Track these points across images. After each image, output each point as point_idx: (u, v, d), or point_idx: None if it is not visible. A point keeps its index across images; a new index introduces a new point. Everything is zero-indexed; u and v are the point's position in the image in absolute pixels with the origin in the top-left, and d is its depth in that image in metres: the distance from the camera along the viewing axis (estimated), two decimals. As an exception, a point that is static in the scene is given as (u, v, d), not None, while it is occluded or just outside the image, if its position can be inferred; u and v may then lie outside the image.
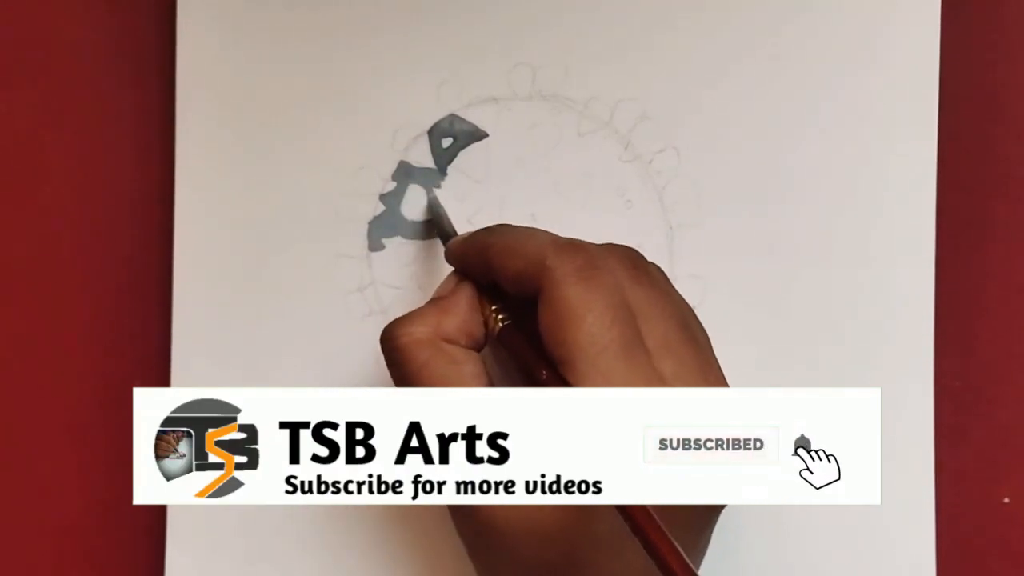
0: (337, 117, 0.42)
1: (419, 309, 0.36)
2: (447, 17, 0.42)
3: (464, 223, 0.42)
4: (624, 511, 0.31)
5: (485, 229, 0.37)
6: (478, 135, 0.43)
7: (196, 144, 0.43)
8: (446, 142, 0.43)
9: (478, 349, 0.36)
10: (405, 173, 0.43)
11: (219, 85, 0.43)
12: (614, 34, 0.42)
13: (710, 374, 0.35)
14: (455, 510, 0.36)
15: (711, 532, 0.36)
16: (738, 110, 0.42)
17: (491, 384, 0.35)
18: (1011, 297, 0.43)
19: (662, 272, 0.37)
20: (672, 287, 0.36)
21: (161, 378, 0.43)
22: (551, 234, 0.35)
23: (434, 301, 0.37)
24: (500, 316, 0.36)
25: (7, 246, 0.44)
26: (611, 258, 0.35)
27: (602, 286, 0.33)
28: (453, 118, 0.43)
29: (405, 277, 0.43)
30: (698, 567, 0.36)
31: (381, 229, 0.43)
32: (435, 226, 0.42)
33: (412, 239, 0.43)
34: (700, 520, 0.35)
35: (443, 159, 0.43)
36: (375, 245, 0.43)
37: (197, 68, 0.42)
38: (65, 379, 0.44)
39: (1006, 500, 0.43)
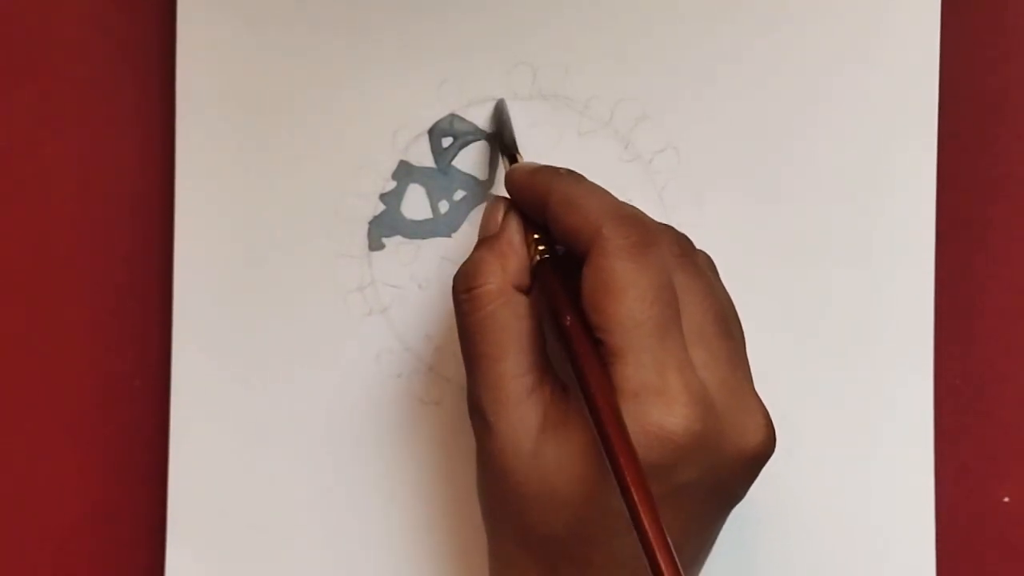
0: (337, 116, 0.42)
1: (479, 255, 0.36)
2: (447, 17, 0.42)
3: (464, 223, 0.42)
4: (622, 484, 0.30)
5: (553, 170, 0.37)
6: (478, 134, 0.43)
7: (196, 144, 0.43)
8: (446, 141, 0.43)
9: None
10: (405, 172, 0.43)
11: (219, 85, 0.43)
12: (614, 34, 0.42)
13: (739, 370, 0.35)
14: (481, 464, 0.36)
15: (720, 527, 0.36)
16: (738, 110, 0.42)
17: (544, 340, 0.36)
18: (1011, 297, 0.43)
19: (711, 263, 0.37)
20: (718, 279, 0.37)
21: (161, 378, 0.43)
22: (613, 198, 0.35)
23: (488, 243, 0.36)
24: (540, 248, 0.36)
25: (7, 246, 0.44)
26: (664, 238, 0.35)
27: (651, 265, 0.33)
28: (453, 117, 0.43)
29: (405, 276, 0.43)
30: (703, 562, 0.36)
31: (381, 228, 0.43)
32: (497, 136, 0.41)
33: (412, 238, 0.43)
34: (711, 513, 0.35)
35: (443, 158, 0.43)
36: (375, 244, 0.43)
37: (197, 68, 0.43)
38: (65, 379, 0.44)
39: (1006, 499, 0.43)
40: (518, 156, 0.40)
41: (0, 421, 0.44)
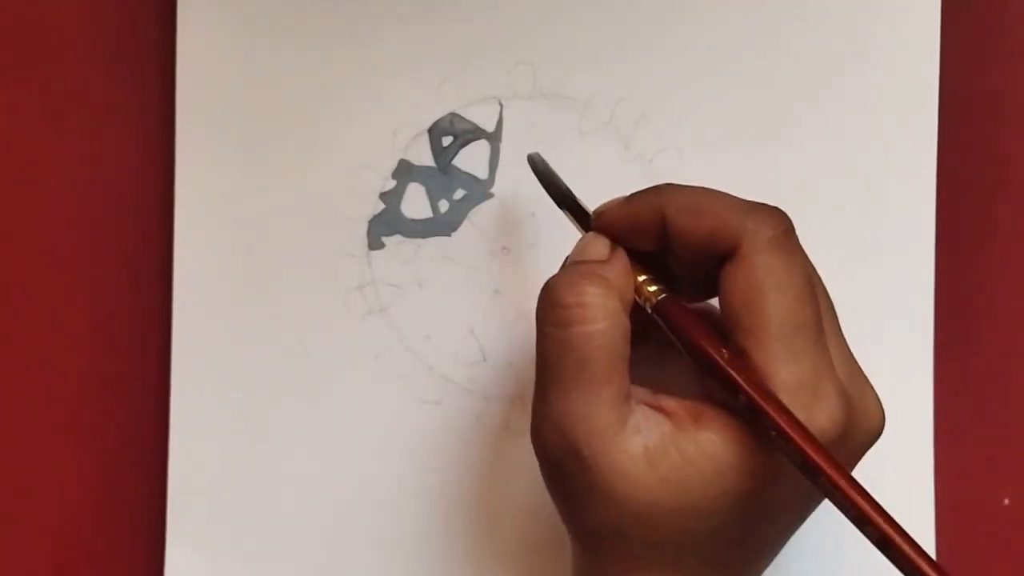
0: (337, 116, 0.43)
1: (588, 268, 0.33)
2: (447, 17, 0.42)
3: (464, 222, 0.42)
4: (835, 494, 0.31)
5: (651, 189, 0.34)
6: (478, 134, 0.43)
7: (196, 144, 0.43)
8: (446, 140, 0.43)
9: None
10: (405, 172, 0.43)
11: (219, 84, 0.43)
12: (614, 34, 0.42)
13: (853, 357, 0.34)
14: (579, 496, 0.33)
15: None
16: (738, 110, 0.42)
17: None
18: (1011, 297, 0.43)
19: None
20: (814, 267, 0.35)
21: (161, 378, 0.43)
22: (733, 195, 0.34)
23: (597, 264, 0.34)
24: (653, 288, 0.34)
25: (7, 246, 0.44)
26: (793, 226, 0.34)
27: (800, 259, 0.33)
28: (453, 117, 0.43)
29: (405, 276, 0.43)
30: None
31: (381, 227, 0.43)
32: (546, 188, 0.39)
33: (412, 237, 0.43)
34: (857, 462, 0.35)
35: (443, 158, 0.43)
36: (375, 243, 0.43)
37: (197, 68, 0.43)
38: (65, 379, 0.44)
39: (1006, 501, 0.43)
40: (578, 201, 0.38)
41: (0, 421, 0.44)
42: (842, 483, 0.31)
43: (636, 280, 0.34)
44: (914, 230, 0.42)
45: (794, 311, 0.32)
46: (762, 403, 0.31)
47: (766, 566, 0.36)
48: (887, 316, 0.42)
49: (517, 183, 0.42)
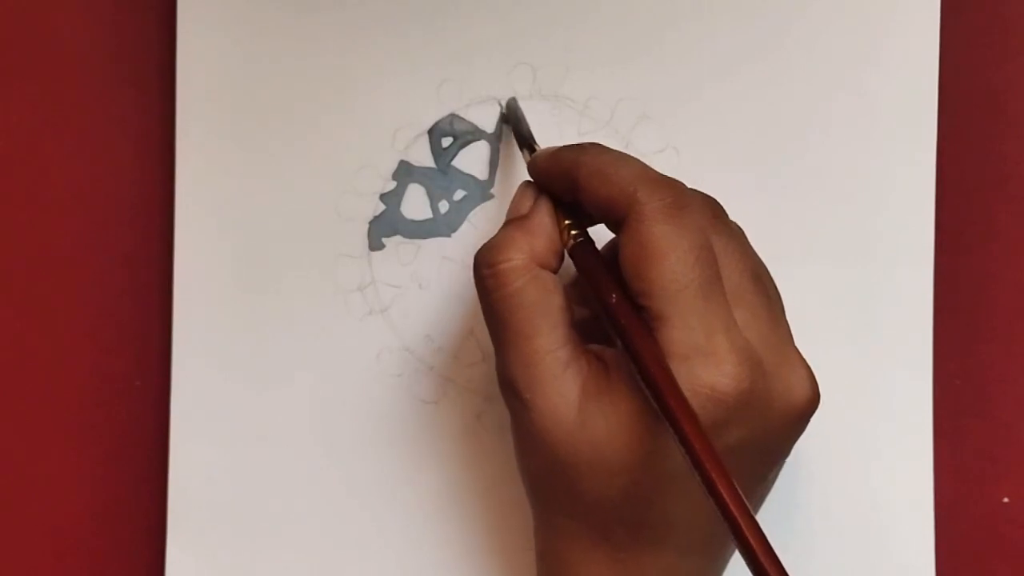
0: (337, 117, 0.43)
1: (506, 233, 0.36)
2: (447, 17, 0.42)
3: (464, 222, 0.42)
4: (687, 445, 0.30)
5: (577, 146, 0.36)
6: (478, 135, 0.43)
7: (196, 144, 0.43)
8: (446, 141, 0.43)
9: (561, 265, 0.36)
10: (405, 172, 0.43)
11: (219, 85, 0.43)
12: (614, 34, 0.42)
13: (780, 327, 0.35)
14: (522, 440, 0.36)
15: (770, 485, 0.36)
16: (738, 110, 0.42)
17: (572, 315, 0.35)
18: (1011, 297, 0.43)
19: (740, 229, 0.37)
20: (748, 243, 0.36)
21: (161, 378, 0.43)
22: (642, 164, 0.35)
23: (518, 222, 0.36)
24: (574, 232, 0.36)
25: (7, 246, 0.44)
26: (696, 200, 0.35)
27: (689, 226, 0.33)
28: (453, 117, 0.43)
29: (405, 276, 0.43)
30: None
31: (381, 228, 0.43)
32: (512, 130, 0.41)
33: (412, 238, 0.43)
34: (760, 471, 0.35)
35: (443, 158, 0.43)
36: (375, 244, 0.43)
37: (197, 68, 0.43)
38: (65, 379, 0.44)
39: (1006, 500, 0.43)
40: (536, 148, 0.40)
41: (0, 421, 0.44)
42: (695, 444, 0.30)
43: (562, 224, 0.36)
44: (914, 230, 0.42)
45: (678, 273, 0.33)
46: (631, 344, 0.32)
47: (715, 564, 0.36)
48: (887, 315, 0.42)
49: (517, 184, 0.42)
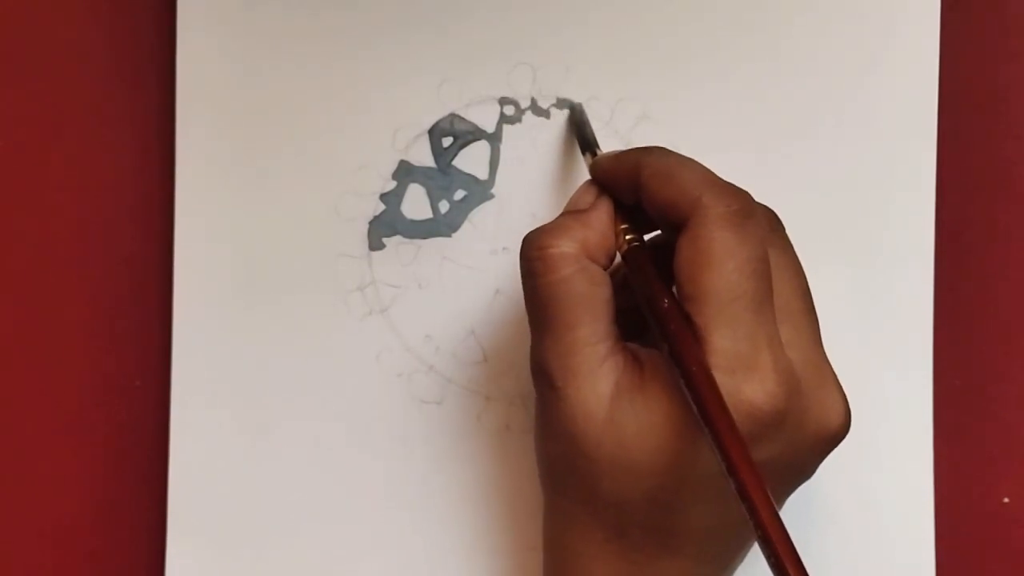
0: (337, 117, 0.43)
1: (561, 221, 0.35)
2: (447, 17, 0.42)
3: (464, 222, 0.42)
4: (727, 457, 0.30)
5: (641, 148, 0.36)
6: (479, 135, 0.43)
7: (196, 144, 0.43)
8: (446, 141, 0.43)
9: (611, 265, 0.36)
10: (405, 172, 0.43)
11: (219, 85, 0.43)
12: (614, 34, 0.42)
13: (821, 349, 0.35)
14: (546, 426, 0.35)
15: (784, 502, 0.36)
16: (738, 110, 0.42)
17: (615, 310, 0.35)
18: (1011, 297, 0.43)
19: (791, 244, 0.37)
20: (798, 260, 0.36)
21: (161, 378, 0.43)
22: (707, 169, 0.35)
23: (575, 214, 0.36)
24: (629, 236, 0.35)
25: (7, 246, 0.44)
26: (760, 210, 0.35)
27: (751, 236, 0.33)
28: (454, 117, 0.43)
29: (405, 276, 0.43)
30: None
31: (381, 228, 0.43)
32: (576, 134, 0.41)
33: (412, 238, 0.43)
34: (782, 488, 0.35)
35: (443, 158, 0.43)
36: (375, 244, 0.43)
37: (197, 68, 0.43)
38: (65, 379, 0.44)
39: (1006, 500, 0.43)
40: (599, 152, 0.39)
41: (0, 421, 0.44)
42: (734, 454, 0.30)
43: (618, 228, 0.36)
44: (914, 230, 0.42)
45: (733, 282, 0.32)
46: (678, 351, 0.32)
47: (724, 574, 0.36)
48: (887, 316, 0.42)
49: (517, 184, 0.42)
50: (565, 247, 0.34)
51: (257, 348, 0.42)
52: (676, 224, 0.34)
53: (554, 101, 0.42)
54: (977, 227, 0.43)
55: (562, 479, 0.35)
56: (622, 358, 0.34)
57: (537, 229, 0.35)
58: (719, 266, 0.32)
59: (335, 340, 0.42)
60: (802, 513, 0.42)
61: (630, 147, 0.37)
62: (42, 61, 0.44)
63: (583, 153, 0.40)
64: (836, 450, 0.41)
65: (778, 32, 0.42)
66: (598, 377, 0.34)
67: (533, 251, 0.35)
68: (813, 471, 0.35)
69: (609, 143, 0.42)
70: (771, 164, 0.42)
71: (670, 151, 0.35)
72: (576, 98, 0.42)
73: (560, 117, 0.42)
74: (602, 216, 0.36)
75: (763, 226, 0.34)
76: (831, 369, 0.35)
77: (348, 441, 0.42)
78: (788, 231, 0.36)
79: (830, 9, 0.42)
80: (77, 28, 0.44)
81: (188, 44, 0.42)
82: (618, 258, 0.36)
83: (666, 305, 0.33)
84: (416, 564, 0.42)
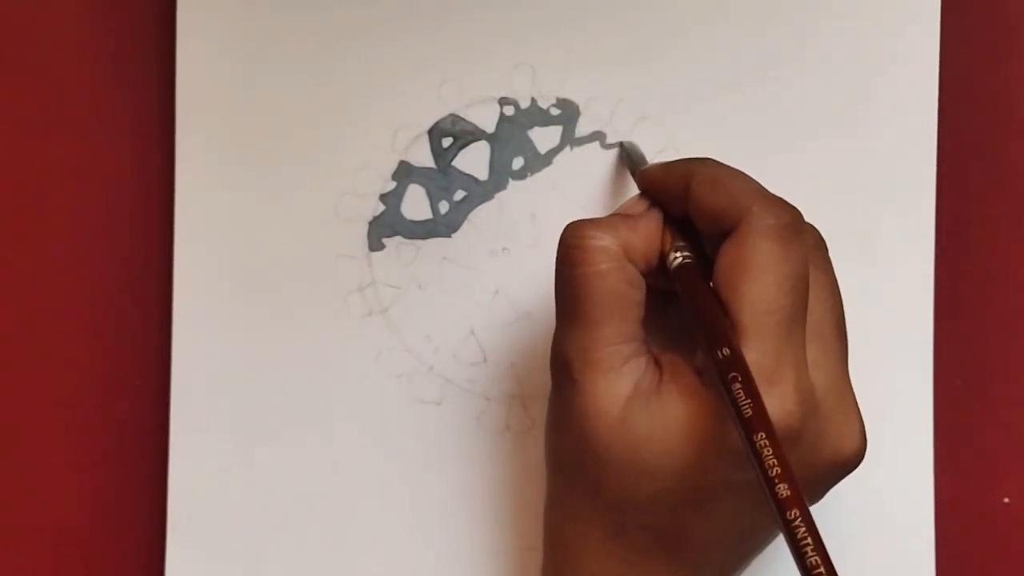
0: (337, 117, 0.42)
1: (609, 218, 0.35)
2: (447, 17, 0.42)
3: (464, 223, 0.42)
4: (759, 458, 0.29)
5: (691, 158, 0.36)
6: (478, 135, 0.43)
7: (196, 144, 0.43)
8: (446, 142, 0.43)
9: (647, 272, 0.35)
10: (405, 173, 0.43)
11: (219, 85, 0.43)
12: (614, 34, 0.42)
13: (846, 375, 0.34)
14: (558, 416, 0.35)
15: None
16: (738, 110, 0.42)
17: (643, 314, 0.35)
18: (1011, 297, 0.43)
19: (832, 266, 0.36)
20: (837, 283, 0.36)
21: (161, 378, 0.43)
22: (757, 181, 0.35)
23: (624, 216, 0.35)
24: (684, 254, 0.35)
25: (7, 246, 0.44)
26: (807, 228, 0.34)
27: (795, 253, 0.33)
28: (453, 118, 0.43)
29: (405, 277, 0.43)
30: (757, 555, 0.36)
31: (381, 229, 0.43)
32: (625, 159, 0.41)
33: (412, 239, 0.43)
34: (821, 488, 0.35)
35: (443, 159, 0.43)
36: (375, 245, 0.43)
37: (197, 68, 0.42)
38: (65, 379, 0.44)
39: (1006, 500, 0.43)
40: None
41: (0, 421, 0.44)
42: (775, 465, 0.29)
43: (667, 240, 0.35)
44: (914, 230, 0.42)
45: (769, 296, 0.32)
46: (731, 369, 0.31)
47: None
48: (887, 315, 0.42)
49: (517, 184, 0.42)
50: (607, 242, 0.34)
51: (257, 348, 0.42)
52: (724, 232, 0.34)
53: (554, 101, 0.43)
54: (977, 227, 0.43)
55: (568, 471, 0.35)
56: (644, 361, 0.34)
57: (580, 220, 0.35)
58: (760, 277, 0.32)
59: (335, 341, 0.42)
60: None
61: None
62: (42, 61, 0.44)
63: (632, 176, 0.40)
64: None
65: (777, 33, 0.42)
66: (618, 376, 0.34)
67: (574, 239, 0.34)
68: (821, 496, 0.35)
69: (609, 143, 0.42)
70: (771, 164, 0.42)
71: (721, 162, 0.35)
72: (576, 98, 0.42)
73: (560, 117, 0.42)
74: (651, 224, 0.35)
75: (808, 244, 0.34)
76: (853, 396, 0.35)
77: (347, 442, 0.42)
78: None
79: (830, 10, 0.42)
80: (77, 28, 0.44)
81: (188, 44, 0.42)
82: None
83: (729, 324, 0.32)
84: (416, 564, 0.42)
